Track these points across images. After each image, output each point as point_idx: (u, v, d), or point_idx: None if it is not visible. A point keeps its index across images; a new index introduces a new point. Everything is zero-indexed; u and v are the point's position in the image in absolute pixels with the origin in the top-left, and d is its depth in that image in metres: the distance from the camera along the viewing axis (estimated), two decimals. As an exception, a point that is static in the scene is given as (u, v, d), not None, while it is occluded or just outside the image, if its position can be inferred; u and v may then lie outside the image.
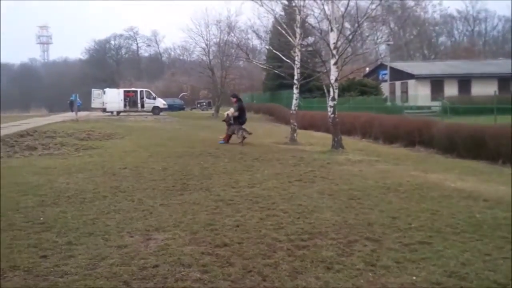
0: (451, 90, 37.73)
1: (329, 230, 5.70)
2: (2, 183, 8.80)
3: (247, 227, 5.84)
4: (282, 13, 19.84)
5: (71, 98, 45.99)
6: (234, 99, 17.65)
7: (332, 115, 14.54)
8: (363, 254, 4.87)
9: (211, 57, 41.70)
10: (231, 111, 16.76)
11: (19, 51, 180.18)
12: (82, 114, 40.09)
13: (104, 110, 42.20)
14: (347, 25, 15.24)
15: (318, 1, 14.79)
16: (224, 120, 16.98)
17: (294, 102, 18.14)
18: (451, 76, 40.60)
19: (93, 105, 43.78)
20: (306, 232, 5.64)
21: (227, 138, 16.30)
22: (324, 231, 5.66)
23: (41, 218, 6.32)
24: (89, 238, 5.48)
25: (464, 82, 40.16)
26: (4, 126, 22.92)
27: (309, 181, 9.03)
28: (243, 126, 16.24)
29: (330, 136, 15.80)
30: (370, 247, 5.11)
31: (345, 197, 7.51)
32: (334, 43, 14.16)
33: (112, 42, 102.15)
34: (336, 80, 14.53)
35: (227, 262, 4.67)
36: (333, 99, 14.53)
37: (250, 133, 16.00)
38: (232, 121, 16.46)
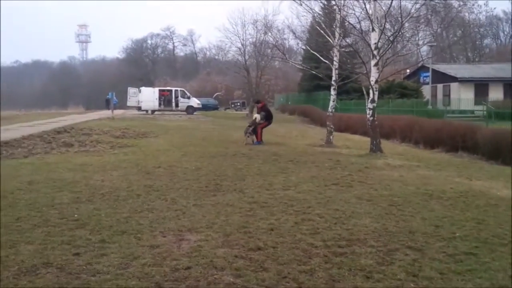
0: (496, 94, 36.38)
1: (368, 237, 5.46)
2: (38, 179, 8.92)
3: (282, 231, 5.66)
4: (321, 13, 19.54)
5: (107, 96, 46.85)
6: (259, 105, 17.68)
7: (371, 118, 14.18)
8: (404, 264, 4.64)
9: (246, 57, 41.70)
10: (258, 117, 16.67)
11: (59, 49, 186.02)
12: (118, 112, 40.79)
13: (139, 108, 42.76)
14: (387, 25, 14.81)
15: (360, 0, 14.45)
16: (249, 125, 16.95)
17: (331, 103, 17.82)
18: (496, 80, 39.15)
19: (128, 104, 44.38)
20: (344, 238, 5.42)
21: (260, 137, 16.27)
22: (362, 238, 5.43)
23: (75, 215, 6.32)
24: (122, 236, 5.42)
25: (510, 86, 38.71)
26: (42, 123, 23.54)
27: (346, 185, 8.76)
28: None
29: (367, 139, 15.47)
30: (412, 256, 4.87)
31: (385, 203, 7.23)
32: (375, 43, 13.82)
33: (149, 41, 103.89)
34: (376, 81, 14.18)
35: (261, 267, 4.51)
36: (373, 101, 14.18)
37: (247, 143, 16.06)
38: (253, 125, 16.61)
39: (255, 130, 16.42)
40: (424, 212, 6.70)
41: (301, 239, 5.35)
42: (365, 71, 15.43)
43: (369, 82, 14.37)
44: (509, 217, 6.51)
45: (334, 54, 17.13)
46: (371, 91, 14.25)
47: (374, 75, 14.15)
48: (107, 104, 48.91)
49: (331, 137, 17.19)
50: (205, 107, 49.75)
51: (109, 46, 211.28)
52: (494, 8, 71.97)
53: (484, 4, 60.56)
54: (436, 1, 15.84)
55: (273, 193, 7.90)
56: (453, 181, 9.61)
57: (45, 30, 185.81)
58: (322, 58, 18.22)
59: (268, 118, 16.88)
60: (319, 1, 17.74)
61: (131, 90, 44.39)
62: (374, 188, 8.45)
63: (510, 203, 7.43)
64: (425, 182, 9.22)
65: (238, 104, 59.04)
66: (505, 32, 72.16)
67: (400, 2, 14.13)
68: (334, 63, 17.16)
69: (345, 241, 5.30)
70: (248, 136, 16.16)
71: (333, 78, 17.46)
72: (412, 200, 7.52)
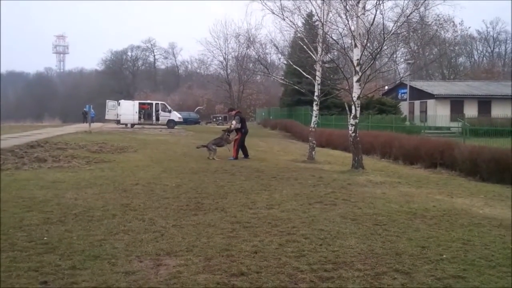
0: (471, 111, 37.20)
1: (354, 260, 5.29)
2: (7, 197, 8.48)
3: (266, 254, 5.44)
4: (302, 29, 19.61)
5: (84, 109, 46.07)
6: (233, 112, 17.72)
7: (353, 134, 14.11)
8: (393, 289, 4.46)
9: (228, 71, 41.73)
10: (234, 123, 16.67)
11: (35, 60, 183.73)
12: (96, 125, 40.07)
13: (118, 122, 42.05)
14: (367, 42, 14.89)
15: (343, 16, 14.51)
16: (224, 130, 16.93)
17: (314, 119, 17.79)
18: (471, 97, 40.14)
19: (107, 117, 43.57)
20: (330, 261, 5.23)
21: (236, 153, 16.11)
22: (349, 261, 5.25)
23: (45, 238, 5.93)
24: (95, 262, 5.07)
25: (484, 103, 39.68)
26: (15, 136, 22.78)
27: (330, 203, 8.60)
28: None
29: (348, 154, 15.44)
30: (400, 280, 4.71)
31: (370, 223, 7.09)
32: (357, 59, 13.83)
33: (129, 54, 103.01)
34: (358, 97, 14.16)
35: (245, 295, 4.27)
36: (355, 117, 14.13)
37: (213, 158, 15.78)
38: (228, 134, 16.57)
39: (221, 144, 16.34)
40: (410, 232, 6.57)
41: (286, 263, 5.14)
42: (346, 87, 15.44)
43: (352, 98, 14.34)
44: (494, 237, 6.45)
45: (317, 70, 17.13)
46: (353, 107, 14.21)
47: (356, 91, 14.13)
48: (84, 117, 48.15)
49: (313, 152, 17.13)
50: (186, 121, 49.34)
51: (87, 58, 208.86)
52: (469, 27, 73.83)
53: (460, 24, 61.84)
54: (415, 20, 15.99)
55: (256, 212, 7.68)
56: (434, 198, 9.57)
57: (21, 40, 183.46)
58: (304, 73, 18.19)
59: (242, 122, 16.69)
60: (301, 16, 17.73)
61: (110, 103, 43.63)
62: (358, 207, 8.32)
63: (493, 222, 7.40)
64: (407, 200, 9.15)
65: (220, 118, 58.76)
66: (479, 51, 74.16)
67: (383, 20, 14.18)
68: (317, 78, 17.15)
69: (331, 264, 5.12)
70: (210, 150, 15.96)
71: (316, 94, 17.44)
72: (396, 219, 7.40)
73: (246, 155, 16.46)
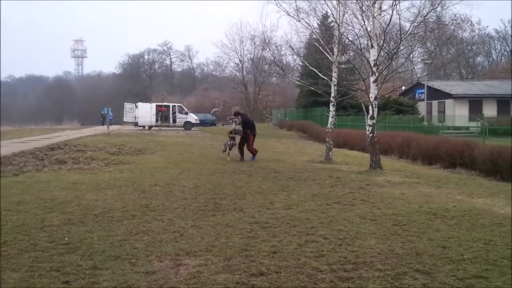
0: (490, 110, 36.62)
1: (374, 260, 5.25)
2: (28, 198, 8.61)
3: (285, 254, 5.43)
4: (318, 31, 19.54)
5: (103, 111, 46.60)
6: (237, 116, 17.80)
7: (371, 134, 14.02)
8: (414, 289, 4.41)
9: (244, 73, 41.78)
10: (237, 127, 16.76)
11: (54, 64, 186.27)
12: (114, 128, 40.45)
13: (136, 124, 42.45)
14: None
15: (359, 17, 14.44)
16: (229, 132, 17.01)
17: (330, 120, 17.72)
18: (490, 96, 39.55)
19: (125, 119, 44.01)
20: (350, 261, 5.21)
21: (254, 151, 16.06)
22: (369, 261, 5.22)
23: (66, 238, 6.00)
24: (115, 262, 5.11)
25: (503, 102, 39.06)
26: (35, 139, 23.13)
27: (348, 203, 8.57)
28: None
29: (365, 155, 15.33)
30: (421, 280, 4.67)
31: (389, 223, 7.04)
32: (374, 60, 13.74)
33: (146, 57, 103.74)
34: (375, 98, 14.07)
35: (265, 295, 4.26)
36: (372, 117, 14.03)
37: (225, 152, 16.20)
38: (233, 136, 16.52)
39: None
40: (430, 232, 6.52)
41: (305, 263, 5.13)
42: (363, 87, 15.35)
43: (369, 99, 14.26)
44: (517, 237, 6.33)
45: (333, 71, 17.07)
46: (370, 108, 14.14)
47: (373, 91, 14.05)
48: (102, 120, 48.67)
49: (330, 153, 17.07)
50: (202, 123, 49.57)
51: (105, 61, 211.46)
52: (487, 27, 72.60)
53: (477, 23, 60.71)
54: (432, 20, 15.82)
55: (274, 212, 7.68)
56: (454, 198, 9.49)
57: (40, 44, 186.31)
58: (320, 75, 18.13)
59: (244, 127, 16.43)
60: (317, 17, 17.67)
61: (128, 106, 44.05)
62: (377, 207, 8.28)
63: (515, 222, 7.29)
64: (427, 200, 9.08)
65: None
66: (497, 50, 72.98)
67: (400, 20, 14.10)
68: (333, 79, 17.09)
69: (351, 265, 5.09)
70: (224, 151, 16.16)
71: (332, 95, 17.38)
72: (416, 219, 7.34)
73: (242, 157, 16.17)
